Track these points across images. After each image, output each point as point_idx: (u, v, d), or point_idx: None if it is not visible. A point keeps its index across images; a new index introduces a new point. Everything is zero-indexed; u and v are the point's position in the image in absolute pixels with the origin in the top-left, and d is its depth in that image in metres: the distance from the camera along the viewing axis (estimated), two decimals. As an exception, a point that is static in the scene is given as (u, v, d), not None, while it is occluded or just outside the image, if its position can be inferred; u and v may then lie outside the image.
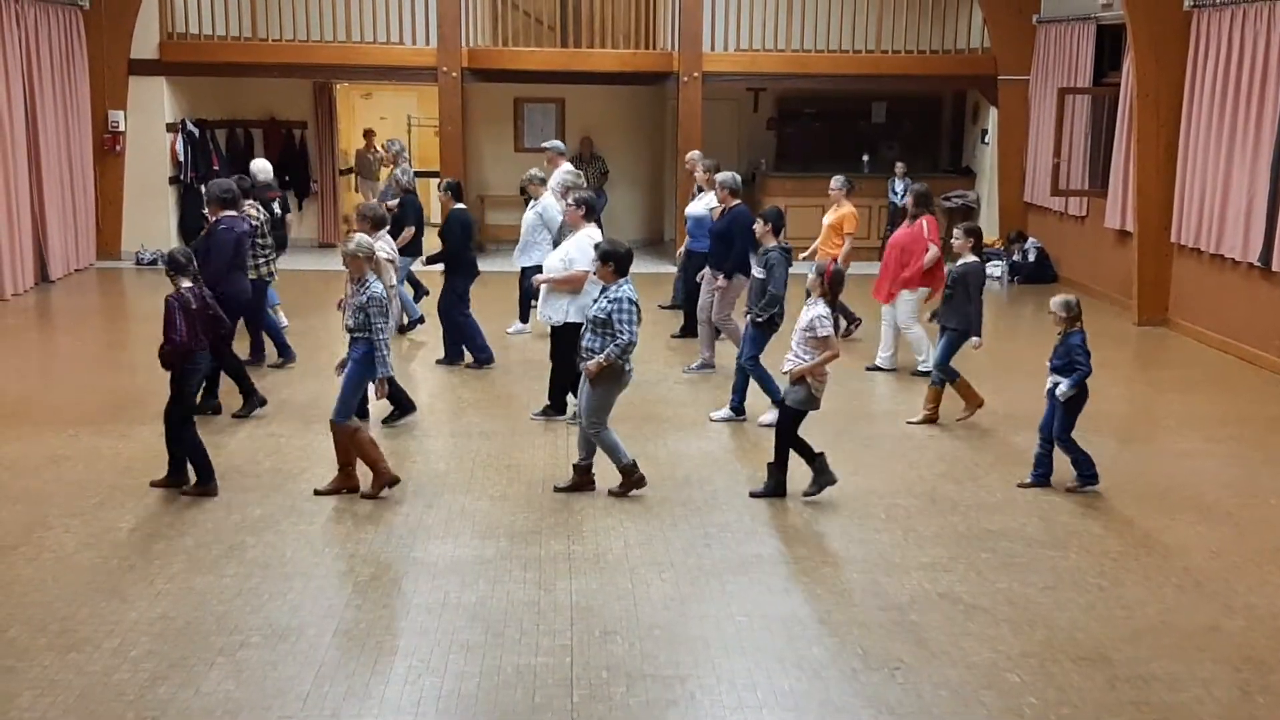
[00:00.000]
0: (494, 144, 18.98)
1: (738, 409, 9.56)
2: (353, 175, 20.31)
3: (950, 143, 19.59)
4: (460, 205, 11.17)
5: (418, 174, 14.04)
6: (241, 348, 10.22)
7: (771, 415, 9.42)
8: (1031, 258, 16.31)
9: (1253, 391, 10.86)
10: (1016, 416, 9.68)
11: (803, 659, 5.70)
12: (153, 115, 16.50)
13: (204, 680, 5.40)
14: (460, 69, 16.76)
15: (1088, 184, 15.37)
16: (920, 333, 10.97)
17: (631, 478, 7.81)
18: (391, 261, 9.49)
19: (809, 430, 7.91)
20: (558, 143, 13.81)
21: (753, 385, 9.49)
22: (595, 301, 7.78)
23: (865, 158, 18.12)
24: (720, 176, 11.05)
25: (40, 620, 5.94)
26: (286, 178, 17.91)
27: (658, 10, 17.09)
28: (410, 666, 5.58)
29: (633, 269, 7.79)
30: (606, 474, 7.89)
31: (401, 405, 9.25)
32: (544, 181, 11.95)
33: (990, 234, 16.58)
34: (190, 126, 16.93)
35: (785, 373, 7.78)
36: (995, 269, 15.92)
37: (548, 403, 9.59)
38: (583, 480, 7.90)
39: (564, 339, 9.18)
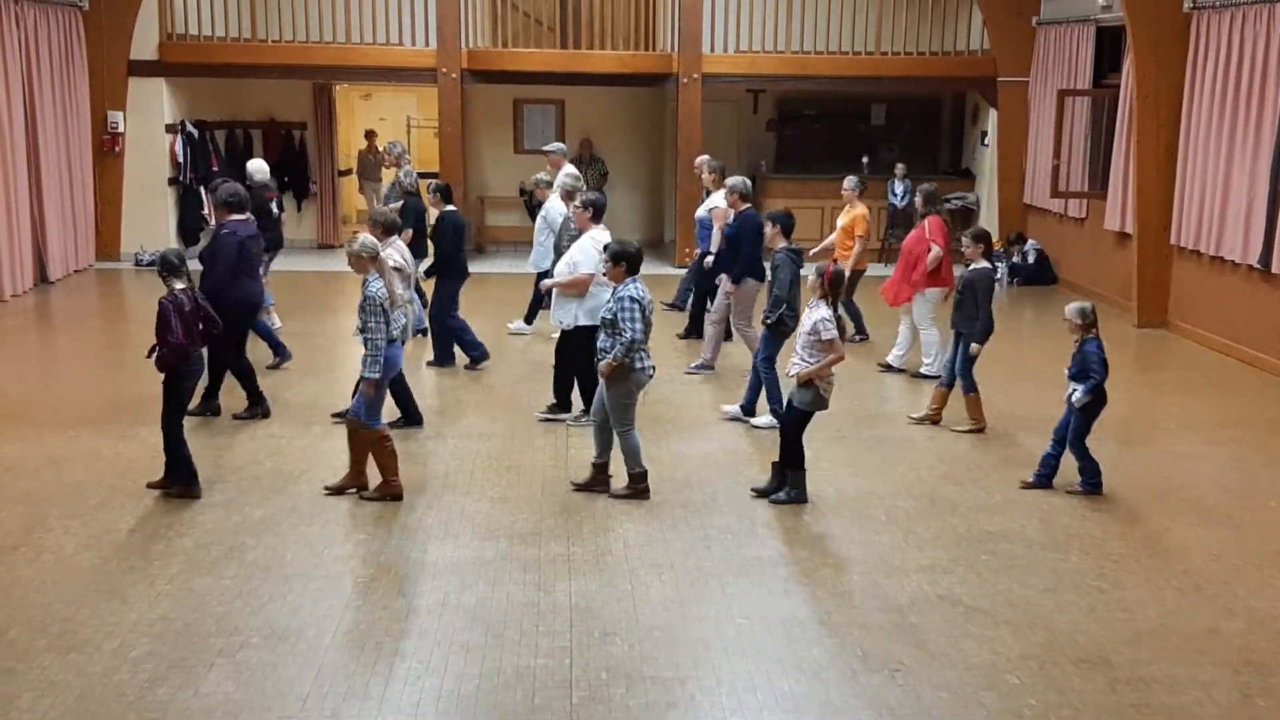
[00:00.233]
0: (494, 145, 18.97)
1: (746, 408, 9.57)
2: (353, 176, 20.32)
3: (950, 144, 19.60)
4: (450, 207, 11.09)
5: (420, 175, 14.04)
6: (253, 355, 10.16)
7: (766, 420, 9.43)
8: (1031, 259, 16.32)
9: (1253, 394, 10.86)
10: (1017, 418, 9.69)
11: (803, 661, 5.70)
12: (152, 116, 16.50)
13: (204, 681, 5.40)
14: (460, 70, 16.76)
15: (1087, 186, 15.38)
16: (934, 336, 10.97)
17: (637, 486, 7.82)
18: (400, 270, 9.32)
19: (812, 430, 7.91)
20: (560, 145, 13.82)
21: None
22: (608, 303, 7.81)
23: (865, 159, 18.11)
24: (730, 181, 11.07)
25: (40, 622, 5.94)
26: (286, 179, 17.93)
27: (657, 11, 17.10)
28: (410, 668, 5.57)
29: (632, 271, 7.81)
30: (618, 475, 7.90)
31: (409, 415, 9.24)
32: (550, 184, 11.96)
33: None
34: (190, 127, 16.93)
35: (790, 375, 7.79)
36: (995, 271, 15.92)
37: (553, 401, 9.57)
38: (599, 477, 7.92)
39: (572, 342, 9.19)
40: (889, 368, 11.29)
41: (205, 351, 8.04)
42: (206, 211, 11.35)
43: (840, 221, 12.19)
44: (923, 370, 11.03)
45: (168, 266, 7.56)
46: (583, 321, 9.07)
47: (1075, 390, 7.83)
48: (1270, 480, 8.47)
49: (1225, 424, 9.82)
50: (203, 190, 16.30)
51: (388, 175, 19.29)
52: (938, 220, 10.98)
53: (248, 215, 9.79)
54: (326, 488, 7.77)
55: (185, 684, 5.37)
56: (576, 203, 9.86)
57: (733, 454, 8.83)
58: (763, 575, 6.67)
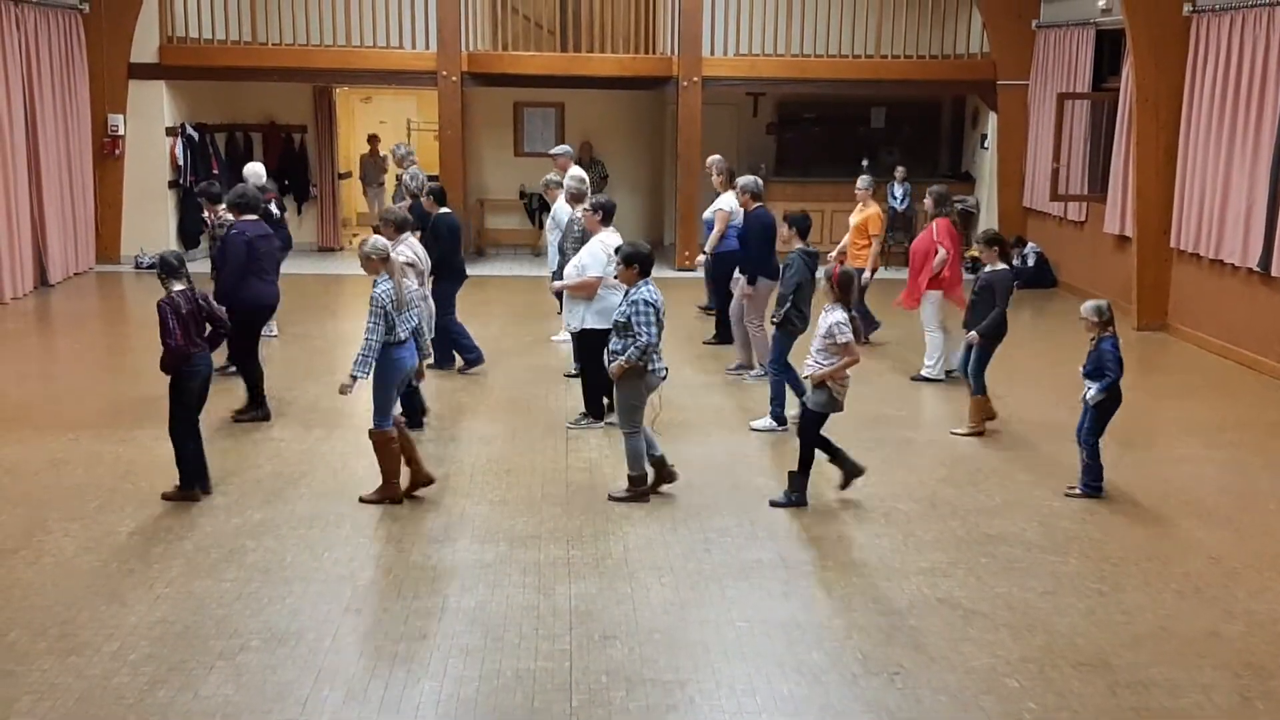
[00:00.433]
0: (494, 148, 18.99)
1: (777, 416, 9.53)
2: (354, 179, 20.33)
3: (950, 148, 19.62)
4: (445, 210, 11.05)
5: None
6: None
7: (765, 422, 9.43)
8: (1031, 263, 16.31)
9: (1252, 396, 10.86)
10: (1017, 421, 9.68)
11: (802, 664, 5.70)
12: (152, 119, 16.52)
13: (203, 684, 5.40)
14: (460, 73, 16.77)
15: (1087, 189, 15.39)
16: (938, 338, 10.97)
17: (636, 489, 7.82)
18: (415, 265, 9.29)
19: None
20: (566, 147, 13.82)
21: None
22: (620, 305, 7.81)
23: (865, 162, 18.10)
24: (742, 181, 11.10)
25: (40, 624, 5.94)
26: (286, 182, 17.94)
27: (657, 15, 17.11)
28: (409, 671, 5.57)
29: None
30: (618, 475, 7.90)
31: (412, 418, 9.23)
32: (560, 185, 11.99)
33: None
34: (190, 130, 16.94)
35: (805, 377, 7.80)
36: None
37: (583, 411, 9.53)
38: (663, 473, 7.92)
39: (585, 345, 9.19)
40: (948, 374, 11.07)
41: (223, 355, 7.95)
42: (206, 215, 11.34)
43: (853, 220, 12.19)
44: (924, 373, 11.03)
45: (166, 268, 7.55)
46: (590, 324, 9.07)
47: (1089, 389, 7.83)
48: (1270, 483, 8.47)
49: (1225, 427, 9.82)
50: (196, 193, 16.29)
51: (392, 178, 19.36)
52: (946, 223, 10.95)
53: (258, 215, 9.78)
54: (362, 498, 7.72)
55: (185, 687, 5.37)
56: (585, 205, 9.85)
57: (733, 456, 8.83)
58: (762, 578, 6.67)
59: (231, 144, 18.12)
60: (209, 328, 7.66)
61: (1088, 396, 7.83)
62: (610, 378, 7.80)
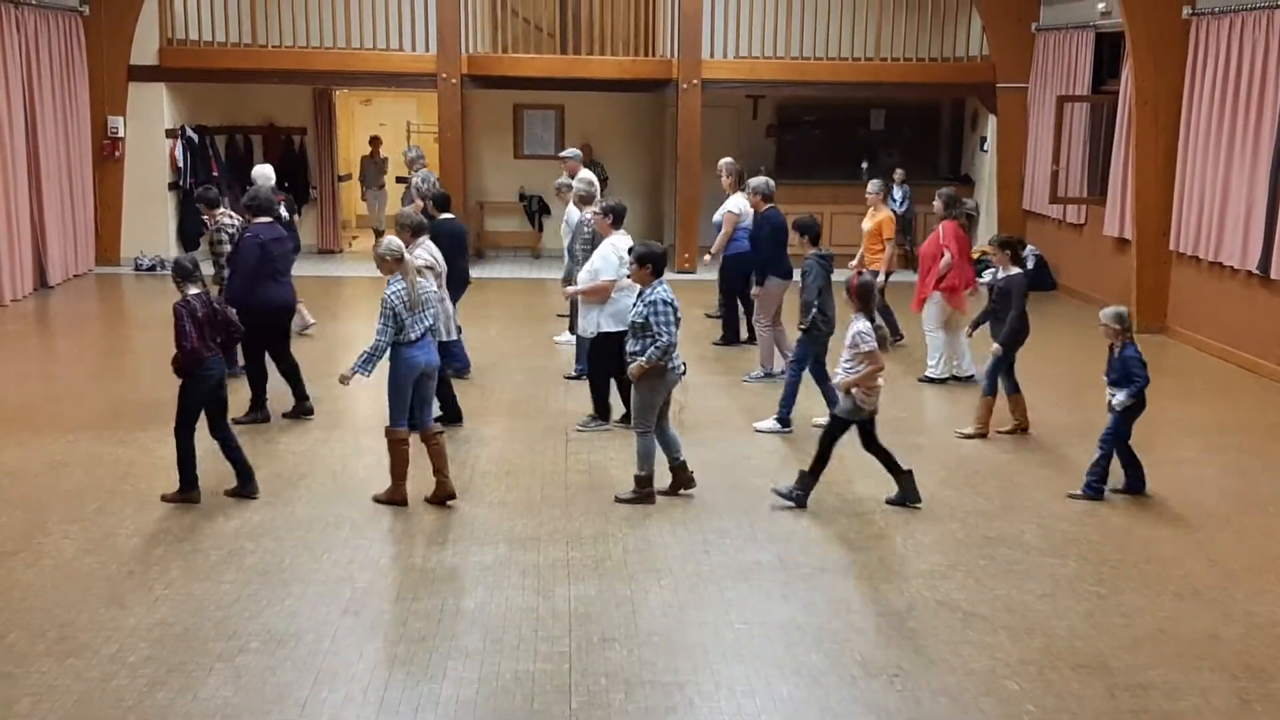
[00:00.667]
0: (493, 151, 18.99)
1: (827, 411, 9.40)
2: (354, 182, 20.32)
3: (949, 150, 19.62)
4: (448, 215, 10.91)
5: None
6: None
7: (769, 424, 9.44)
8: (1030, 265, 16.29)
9: (1252, 399, 10.86)
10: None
11: (801, 666, 5.70)
12: (152, 121, 16.53)
13: (202, 686, 5.40)
14: (460, 75, 16.78)
15: (1086, 191, 15.39)
16: (939, 339, 10.96)
17: (642, 491, 7.82)
18: (432, 268, 9.20)
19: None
20: (575, 150, 13.79)
21: (810, 389, 9.43)
22: (634, 306, 7.81)
23: (864, 165, 18.13)
24: (753, 182, 11.11)
25: (39, 626, 5.94)
26: (286, 184, 17.93)
27: (657, 17, 17.12)
28: (408, 673, 5.57)
29: (633, 274, 7.81)
30: (619, 478, 7.89)
31: (450, 413, 9.24)
32: (571, 188, 11.97)
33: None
34: (190, 132, 16.95)
35: (835, 385, 7.85)
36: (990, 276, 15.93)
37: (591, 413, 9.51)
38: (680, 479, 7.94)
39: (600, 349, 9.18)
40: (954, 378, 11.11)
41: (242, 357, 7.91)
42: (205, 218, 11.32)
43: (865, 225, 12.19)
44: (927, 374, 11.03)
45: (181, 272, 7.58)
46: (605, 328, 9.07)
47: (1116, 395, 7.83)
48: (1269, 486, 8.47)
49: (1224, 429, 9.83)
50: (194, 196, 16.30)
51: (392, 180, 19.36)
52: (953, 225, 10.92)
53: (272, 218, 9.75)
54: (428, 499, 7.73)
55: (184, 689, 5.37)
56: (596, 208, 9.83)
57: (733, 458, 8.83)
58: (762, 580, 6.67)
59: (231, 146, 18.13)
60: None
61: (1115, 401, 7.84)
62: (630, 379, 7.79)
